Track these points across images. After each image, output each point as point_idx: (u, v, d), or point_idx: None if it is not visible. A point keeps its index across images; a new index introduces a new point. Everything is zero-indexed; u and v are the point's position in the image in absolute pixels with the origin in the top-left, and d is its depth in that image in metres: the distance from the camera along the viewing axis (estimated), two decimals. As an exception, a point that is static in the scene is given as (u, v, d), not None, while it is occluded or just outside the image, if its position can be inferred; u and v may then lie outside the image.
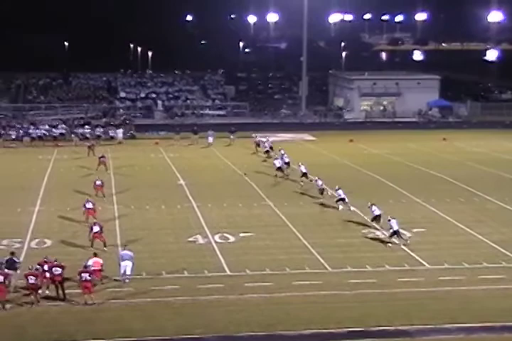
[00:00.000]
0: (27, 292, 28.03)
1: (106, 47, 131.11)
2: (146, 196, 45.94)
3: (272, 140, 64.49)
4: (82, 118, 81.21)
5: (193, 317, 26.79)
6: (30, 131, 70.26)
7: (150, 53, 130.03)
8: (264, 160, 58.67)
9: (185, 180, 51.29)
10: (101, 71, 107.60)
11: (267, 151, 60.20)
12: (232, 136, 69.03)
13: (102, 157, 54.39)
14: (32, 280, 27.67)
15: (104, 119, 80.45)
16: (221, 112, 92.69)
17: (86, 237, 35.00)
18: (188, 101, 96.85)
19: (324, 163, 58.18)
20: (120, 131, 71.03)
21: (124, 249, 31.07)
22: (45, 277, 28.36)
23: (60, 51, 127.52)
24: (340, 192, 42.26)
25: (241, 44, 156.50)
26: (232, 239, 36.72)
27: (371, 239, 36.80)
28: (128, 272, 30.17)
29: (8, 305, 27.34)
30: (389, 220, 35.85)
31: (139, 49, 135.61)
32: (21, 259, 31.36)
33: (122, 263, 30.19)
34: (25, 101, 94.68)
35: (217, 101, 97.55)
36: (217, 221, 39.97)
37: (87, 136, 70.05)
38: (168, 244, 35.77)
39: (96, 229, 34.35)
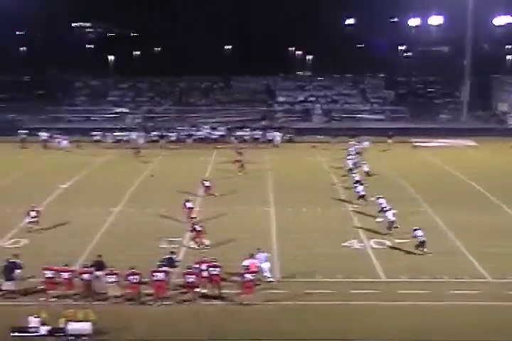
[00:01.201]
0: (184, 290, 28.75)
1: (266, 51, 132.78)
2: (303, 198, 46.04)
3: (432, 145, 62.69)
4: (241, 121, 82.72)
5: (344, 322, 26.62)
6: (192, 132, 72.43)
7: (309, 57, 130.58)
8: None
9: (340, 183, 51.15)
10: (261, 74, 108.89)
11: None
12: (389, 141, 68.30)
13: (239, 161, 55.99)
14: (190, 278, 28.36)
15: (262, 122, 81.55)
16: (379, 117, 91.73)
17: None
18: (346, 105, 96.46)
19: (487, 170, 56.45)
20: (278, 134, 71.75)
21: (259, 252, 31.31)
22: (202, 276, 28.96)
23: (221, 54, 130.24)
24: (381, 200, 40.68)
25: (402, 47, 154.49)
26: (388, 244, 36.22)
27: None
28: (267, 273, 30.54)
29: (166, 302, 28.13)
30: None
31: (299, 52, 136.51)
32: (180, 258, 32.19)
33: (261, 265, 30.57)
34: (187, 104, 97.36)
35: (375, 106, 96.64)
36: (373, 225, 39.48)
37: (246, 138, 71.40)
38: (323, 247, 35.63)
39: (199, 228, 35.49)
